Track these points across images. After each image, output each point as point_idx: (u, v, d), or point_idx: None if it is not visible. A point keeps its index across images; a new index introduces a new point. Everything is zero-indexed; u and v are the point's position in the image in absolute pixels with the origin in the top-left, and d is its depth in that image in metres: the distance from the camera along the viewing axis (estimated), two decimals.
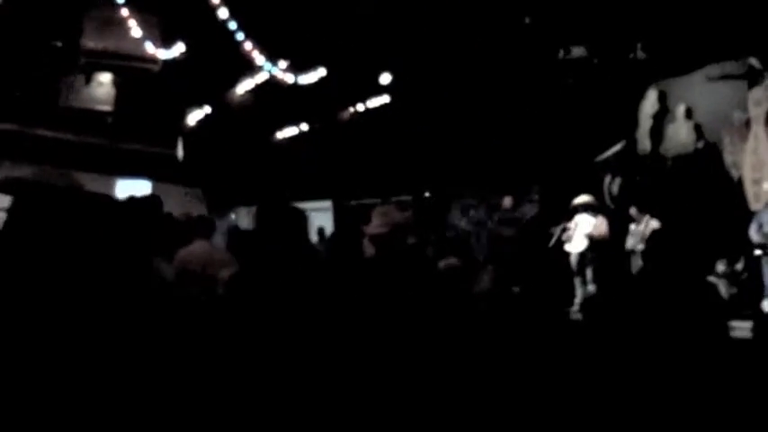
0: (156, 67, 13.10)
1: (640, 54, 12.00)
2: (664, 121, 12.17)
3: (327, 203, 15.15)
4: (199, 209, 14.95)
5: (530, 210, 12.49)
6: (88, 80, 14.29)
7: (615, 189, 12.34)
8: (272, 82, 14.15)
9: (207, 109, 15.66)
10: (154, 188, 14.77)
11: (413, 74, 13.72)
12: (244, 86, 14.71)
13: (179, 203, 14.99)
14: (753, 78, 10.72)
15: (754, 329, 8.01)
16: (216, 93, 14.83)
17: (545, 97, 12.61)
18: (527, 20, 11.93)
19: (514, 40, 12.28)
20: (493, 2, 11.95)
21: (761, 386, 5.57)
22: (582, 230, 9.66)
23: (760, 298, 8.84)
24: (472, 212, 13.35)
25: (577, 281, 9.86)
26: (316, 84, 14.18)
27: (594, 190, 10.98)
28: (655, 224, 10.05)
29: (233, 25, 13.14)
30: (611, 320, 8.45)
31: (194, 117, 15.88)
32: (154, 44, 12.60)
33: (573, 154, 12.34)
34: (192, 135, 15.76)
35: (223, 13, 12.90)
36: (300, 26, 12.92)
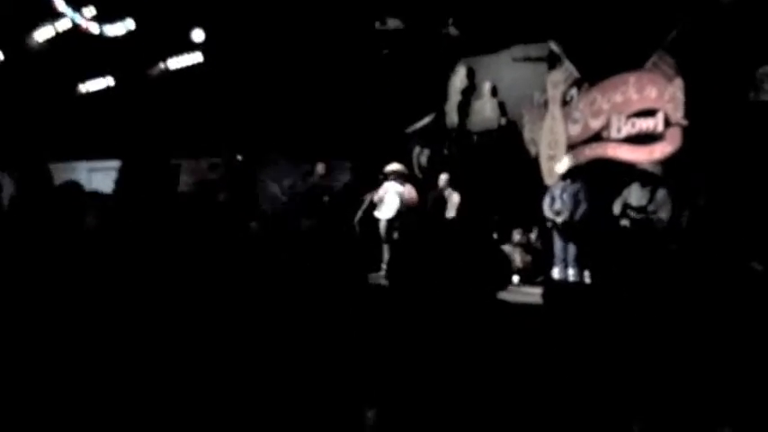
0: None
1: (452, 30, 12.43)
2: (471, 96, 12.69)
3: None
4: None
5: (342, 177, 12.62)
6: None
7: (424, 160, 12.77)
8: (76, 31, 13.26)
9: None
10: None
11: (227, 33, 13.37)
12: (44, 33, 13.63)
13: None
14: (552, 62, 11.43)
15: (544, 295, 8.63)
16: (11, 38, 13.63)
17: (359, 66, 12.74)
18: None
19: (332, 5, 12.29)
20: None
21: (550, 349, 6.00)
22: (391, 198, 9.89)
23: (551, 266, 9.52)
24: (285, 178, 13.28)
25: (385, 247, 10.10)
26: (123, 36, 13.45)
27: (404, 160, 11.27)
28: (455, 198, 10.47)
29: None
30: (413, 286, 8.77)
31: None
32: None
33: (384, 123, 12.60)
34: None
35: None
36: None
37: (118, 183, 12.63)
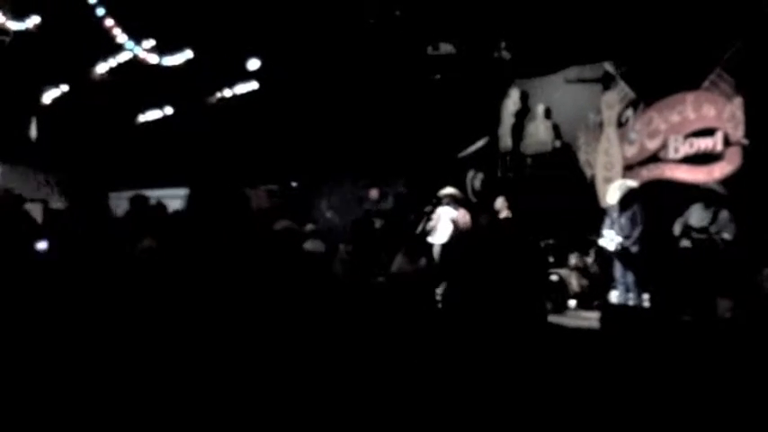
0: (6, 39, 12.30)
1: (504, 53, 12.40)
2: (525, 119, 12.63)
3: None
4: (53, 194, 14.23)
5: (395, 202, 12.64)
6: None
7: (478, 184, 12.72)
8: (136, 62, 13.62)
9: (64, 87, 14.84)
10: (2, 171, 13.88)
11: (282, 61, 13.58)
12: (105, 65, 14.05)
13: (33, 189, 14.19)
14: (607, 82, 11.32)
15: (601, 320, 8.45)
16: (74, 71, 14.08)
17: (413, 91, 12.79)
18: (398, 13, 12.07)
19: (385, 32, 12.39)
20: None
21: (606, 373, 5.87)
22: (445, 223, 9.83)
23: (608, 289, 9.33)
24: (340, 204, 13.38)
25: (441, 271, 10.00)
26: (181, 66, 13.77)
27: (458, 184, 11.23)
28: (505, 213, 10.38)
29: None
30: (468, 311, 8.68)
31: (50, 95, 15.00)
32: (3, 14, 11.82)
33: (438, 148, 12.60)
34: (48, 115, 14.89)
35: None
36: (166, 5, 12.51)
37: (189, 208, 12.87)
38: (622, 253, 8.87)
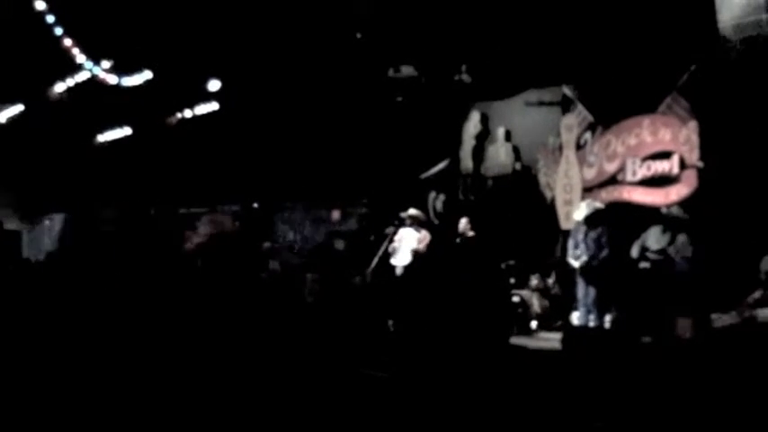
0: None
1: (465, 77, 12.51)
2: (485, 142, 12.72)
3: None
4: (6, 213, 13.94)
5: (356, 223, 12.60)
6: None
7: (439, 205, 12.76)
8: (94, 82, 13.49)
9: (20, 106, 14.59)
10: None
11: (242, 82, 13.53)
12: (63, 85, 13.88)
13: None
14: (566, 106, 11.45)
15: (563, 340, 8.50)
16: (31, 90, 13.86)
17: (374, 113, 12.83)
18: (359, 36, 12.13)
19: (346, 54, 12.43)
20: (326, 15, 12.06)
21: (568, 393, 5.90)
22: (407, 244, 9.83)
23: (570, 310, 9.38)
24: (302, 225, 13.31)
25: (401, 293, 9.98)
26: (141, 86, 13.65)
27: (419, 205, 11.24)
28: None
29: (51, 19, 12.44)
30: (429, 332, 8.69)
31: (6, 114, 14.73)
32: None
33: (400, 169, 12.62)
34: (3, 134, 14.61)
35: (40, 5, 12.21)
36: (126, 26, 12.42)
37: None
38: (587, 272, 8.90)
